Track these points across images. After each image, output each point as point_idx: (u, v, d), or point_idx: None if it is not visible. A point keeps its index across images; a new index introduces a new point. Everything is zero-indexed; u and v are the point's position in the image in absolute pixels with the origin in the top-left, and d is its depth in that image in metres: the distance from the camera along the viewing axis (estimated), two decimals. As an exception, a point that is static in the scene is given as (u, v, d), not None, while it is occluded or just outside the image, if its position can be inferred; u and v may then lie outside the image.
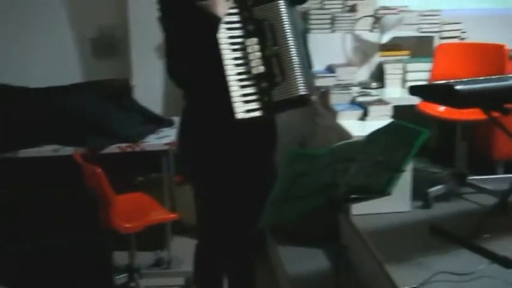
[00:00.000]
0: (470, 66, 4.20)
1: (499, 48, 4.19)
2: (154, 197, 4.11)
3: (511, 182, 3.72)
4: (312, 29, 4.81)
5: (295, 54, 2.61)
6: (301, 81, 2.59)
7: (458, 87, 3.12)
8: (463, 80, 3.32)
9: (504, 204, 3.72)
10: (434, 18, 4.97)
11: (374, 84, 4.75)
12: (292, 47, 2.61)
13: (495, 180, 4.29)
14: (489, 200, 3.89)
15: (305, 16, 4.82)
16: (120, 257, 4.03)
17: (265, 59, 2.61)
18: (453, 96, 3.13)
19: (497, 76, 3.49)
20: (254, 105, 2.58)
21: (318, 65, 4.68)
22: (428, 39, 4.90)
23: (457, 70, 4.12)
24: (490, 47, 4.27)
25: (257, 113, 2.58)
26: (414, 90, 3.53)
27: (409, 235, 3.64)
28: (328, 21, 4.85)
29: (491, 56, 4.21)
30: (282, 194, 2.34)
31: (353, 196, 2.57)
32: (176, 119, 3.73)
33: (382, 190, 2.56)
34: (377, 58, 4.89)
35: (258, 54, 2.61)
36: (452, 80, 3.30)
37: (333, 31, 4.85)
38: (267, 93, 2.59)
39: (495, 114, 3.46)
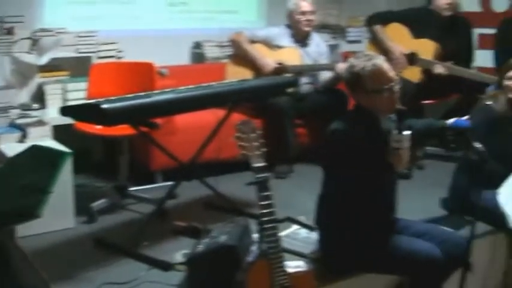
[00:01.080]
0: (124, 84, 4.36)
1: (147, 66, 4.44)
2: None
3: (167, 190, 4.01)
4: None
5: None
6: None
7: (104, 106, 3.19)
8: (111, 98, 3.42)
9: (161, 211, 3.97)
10: (91, 39, 5.09)
11: (35, 106, 4.72)
12: None
13: (154, 189, 4.56)
14: (149, 209, 4.10)
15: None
16: None
17: None
18: (100, 115, 3.20)
19: (144, 93, 3.61)
20: None
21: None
22: (87, 59, 4.99)
23: (112, 89, 4.24)
24: (140, 65, 4.50)
25: None
26: (65, 111, 3.55)
27: (74, 251, 3.68)
28: (-14, 44, 4.73)
29: (142, 74, 4.43)
30: None
31: (2, 222, 2.57)
32: None
33: (31, 213, 2.58)
34: (37, 79, 4.86)
35: None
36: (101, 99, 3.38)
37: (-9, 54, 4.74)
38: None
39: (144, 129, 3.69)
